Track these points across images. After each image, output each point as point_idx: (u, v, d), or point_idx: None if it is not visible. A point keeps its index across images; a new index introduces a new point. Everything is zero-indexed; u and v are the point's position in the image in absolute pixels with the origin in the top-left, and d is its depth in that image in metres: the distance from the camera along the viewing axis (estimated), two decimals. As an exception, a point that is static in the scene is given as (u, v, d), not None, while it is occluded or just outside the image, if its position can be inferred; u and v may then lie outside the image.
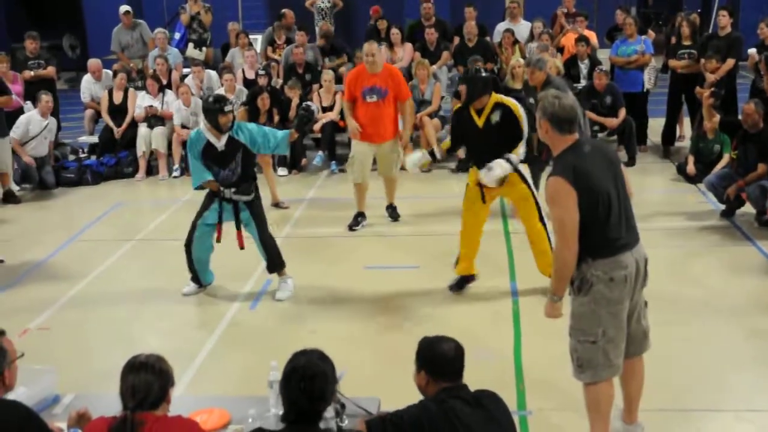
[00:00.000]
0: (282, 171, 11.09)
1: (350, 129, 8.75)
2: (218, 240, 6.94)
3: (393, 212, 8.98)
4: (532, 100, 8.91)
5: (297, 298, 7.02)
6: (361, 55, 12.11)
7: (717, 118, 9.23)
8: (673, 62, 11.16)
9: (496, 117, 6.52)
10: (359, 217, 8.75)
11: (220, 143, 6.64)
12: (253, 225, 6.89)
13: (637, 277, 4.28)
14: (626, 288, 4.23)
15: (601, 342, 4.25)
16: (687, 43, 11.09)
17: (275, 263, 7.03)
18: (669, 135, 11.50)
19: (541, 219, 6.60)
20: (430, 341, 3.63)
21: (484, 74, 6.69)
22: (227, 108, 6.59)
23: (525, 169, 6.64)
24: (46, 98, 10.87)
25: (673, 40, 11.61)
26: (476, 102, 6.58)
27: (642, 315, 4.46)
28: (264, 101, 10.62)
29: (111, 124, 11.78)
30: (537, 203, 6.59)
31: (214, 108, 6.58)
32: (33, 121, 10.81)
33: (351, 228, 8.66)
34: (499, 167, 6.38)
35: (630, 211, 4.33)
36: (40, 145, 10.90)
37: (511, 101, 6.62)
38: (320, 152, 11.38)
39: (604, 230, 4.17)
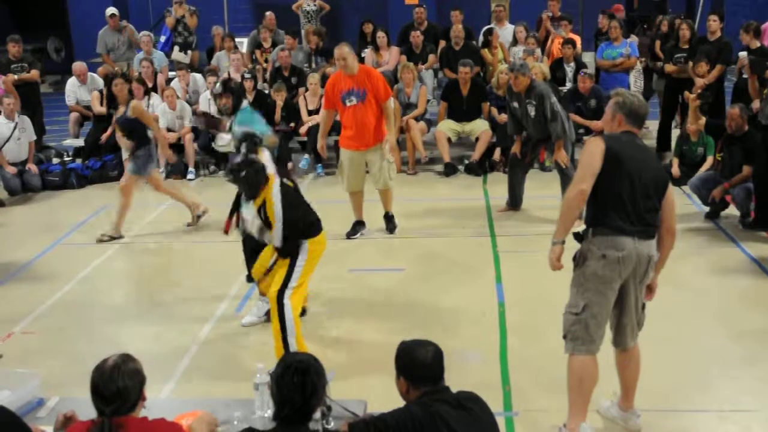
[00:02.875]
0: (268, 174, 11.05)
1: (318, 147, 8.68)
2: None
3: (389, 223, 8.58)
4: (516, 105, 8.92)
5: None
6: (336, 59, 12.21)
7: (702, 120, 9.27)
8: (669, 66, 10.96)
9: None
10: (357, 226, 8.49)
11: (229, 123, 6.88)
12: None
13: (636, 269, 4.38)
14: (618, 270, 4.34)
15: (583, 315, 4.39)
16: (685, 46, 10.87)
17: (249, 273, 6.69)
18: (663, 141, 11.12)
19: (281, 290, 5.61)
20: (407, 347, 3.60)
21: (254, 166, 5.51)
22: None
23: (305, 248, 5.63)
24: (7, 101, 10.74)
25: (658, 45, 11.62)
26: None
27: (637, 310, 4.57)
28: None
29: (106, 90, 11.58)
30: (290, 273, 5.65)
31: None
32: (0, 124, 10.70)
33: (348, 236, 8.39)
34: (247, 220, 5.71)
35: (650, 214, 4.39)
36: (16, 146, 10.75)
37: (270, 197, 5.55)
38: (306, 155, 11.36)
39: (613, 204, 4.31)
